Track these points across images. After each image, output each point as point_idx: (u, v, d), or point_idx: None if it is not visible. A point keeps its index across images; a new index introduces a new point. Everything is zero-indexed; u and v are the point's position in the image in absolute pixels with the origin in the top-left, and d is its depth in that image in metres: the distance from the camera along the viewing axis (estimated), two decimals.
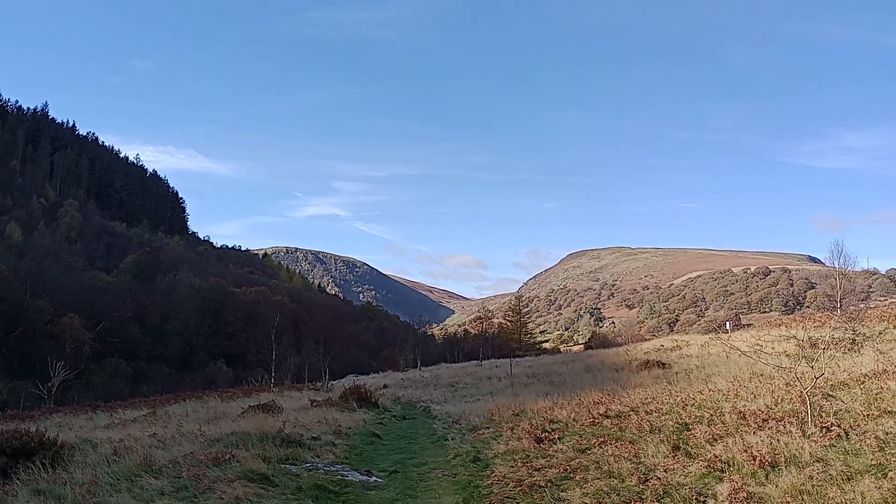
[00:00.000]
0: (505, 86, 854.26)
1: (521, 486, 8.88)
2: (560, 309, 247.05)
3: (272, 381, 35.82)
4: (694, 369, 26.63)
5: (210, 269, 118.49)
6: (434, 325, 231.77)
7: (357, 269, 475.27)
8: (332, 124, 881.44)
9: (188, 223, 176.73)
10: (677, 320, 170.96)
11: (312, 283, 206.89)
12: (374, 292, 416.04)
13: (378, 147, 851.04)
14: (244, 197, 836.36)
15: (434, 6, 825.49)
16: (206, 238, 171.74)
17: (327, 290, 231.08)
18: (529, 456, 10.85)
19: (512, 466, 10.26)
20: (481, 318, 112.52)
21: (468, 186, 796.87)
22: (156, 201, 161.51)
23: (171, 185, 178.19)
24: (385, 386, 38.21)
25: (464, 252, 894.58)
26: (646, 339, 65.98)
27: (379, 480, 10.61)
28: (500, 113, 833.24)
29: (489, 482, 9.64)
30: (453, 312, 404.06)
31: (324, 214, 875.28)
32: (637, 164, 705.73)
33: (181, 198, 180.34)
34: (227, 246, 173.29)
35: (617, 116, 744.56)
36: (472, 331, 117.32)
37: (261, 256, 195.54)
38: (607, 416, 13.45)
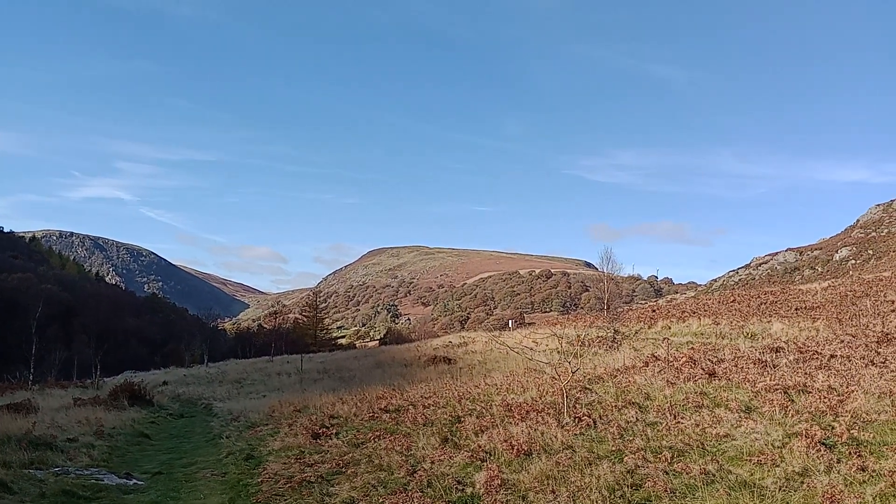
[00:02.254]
0: (310, 79, 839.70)
1: (290, 482, 8.78)
2: (358, 305, 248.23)
3: (31, 378, 32.19)
4: (477, 364, 28.03)
5: None
6: (226, 320, 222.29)
7: (142, 258, 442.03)
8: (119, 100, 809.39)
9: None
10: (468, 318, 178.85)
11: (89, 271, 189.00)
12: (160, 283, 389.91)
13: (170, 129, 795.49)
14: (7, 171, 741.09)
15: None
16: None
17: (107, 279, 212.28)
18: (304, 452, 10.76)
19: (285, 463, 10.10)
20: (277, 313, 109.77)
21: (268, 176, 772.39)
22: None
23: None
24: (165, 383, 35.99)
25: (262, 244, 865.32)
26: (438, 336, 68.17)
27: (140, 483, 9.94)
28: (304, 105, 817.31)
29: (259, 480, 9.42)
30: (248, 306, 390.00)
31: (105, 197, 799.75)
32: (440, 167, 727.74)
33: None
34: None
35: (422, 120, 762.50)
36: (267, 326, 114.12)
37: (28, 240, 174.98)
38: (387, 411, 13.69)
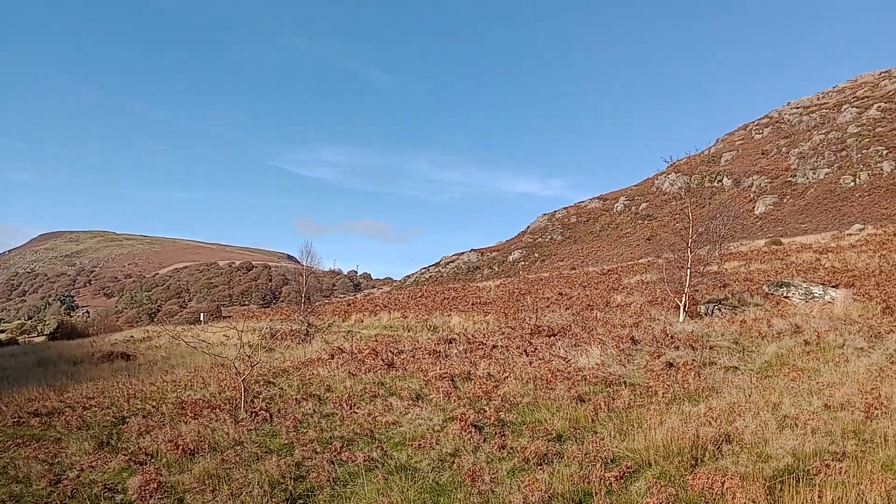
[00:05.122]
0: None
1: None
2: (24, 295, 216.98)
3: None
4: (160, 360, 26.14)
5: None
6: None
7: None
8: None
9: None
10: (159, 310, 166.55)
11: None
12: None
13: None
14: None
15: None
16: None
17: None
18: None
19: None
20: None
21: None
22: None
23: None
24: None
25: None
26: (120, 330, 62.50)
27: None
28: None
29: None
30: None
31: None
32: (138, 147, 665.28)
33: None
34: None
35: (115, 90, 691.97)
36: None
37: None
38: (37, 415, 12.05)
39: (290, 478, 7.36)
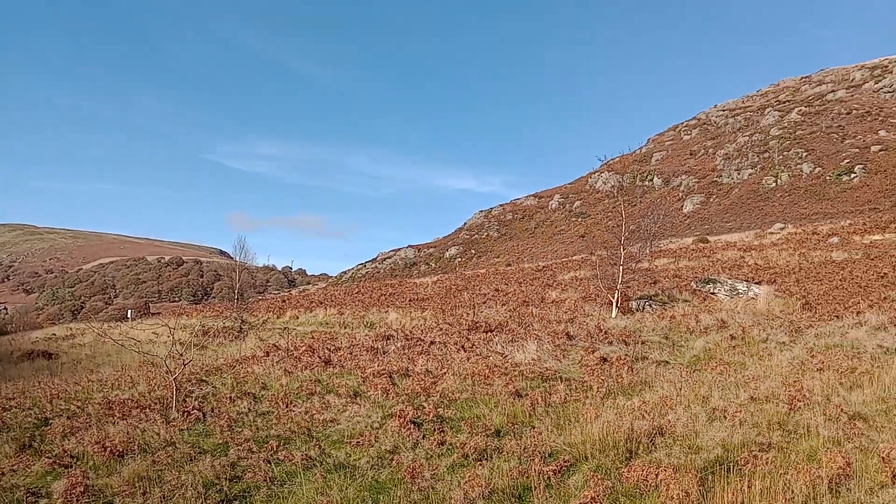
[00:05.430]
0: None
1: None
2: None
3: None
4: (84, 359, 25.22)
5: None
6: None
7: None
8: None
9: None
10: (83, 307, 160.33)
11: None
12: None
13: None
14: None
15: None
16: None
17: None
18: None
19: None
20: None
21: None
22: None
23: None
24: None
25: None
26: (42, 328, 59.96)
27: None
28: None
29: None
30: None
31: None
32: (60, 138, 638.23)
33: None
34: None
35: (40, 83, 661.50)
36: None
37: None
38: None
39: (225, 478, 7.18)
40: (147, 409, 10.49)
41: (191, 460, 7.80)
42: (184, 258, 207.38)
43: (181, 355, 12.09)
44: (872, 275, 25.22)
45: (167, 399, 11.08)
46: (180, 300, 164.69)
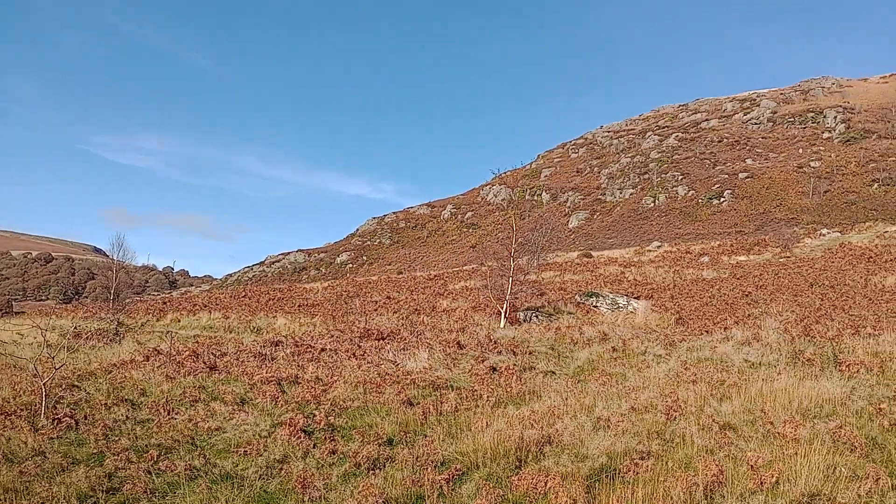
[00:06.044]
0: None
1: None
2: None
3: None
4: None
5: None
6: None
7: None
8: None
9: None
10: None
11: None
12: None
13: None
14: None
15: None
16: None
17: None
18: None
19: None
20: None
21: None
22: None
23: None
24: None
25: None
26: None
27: None
28: None
29: None
30: None
31: None
32: None
33: None
34: None
35: None
36: None
37: None
38: None
39: (102, 490, 6.77)
40: (12, 416, 9.73)
41: (63, 471, 7.31)
42: (53, 254, 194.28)
43: (51, 358, 11.32)
44: (738, 293, 27.14)
45: (35, 405, 10.33)
46: (48, 299, 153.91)
